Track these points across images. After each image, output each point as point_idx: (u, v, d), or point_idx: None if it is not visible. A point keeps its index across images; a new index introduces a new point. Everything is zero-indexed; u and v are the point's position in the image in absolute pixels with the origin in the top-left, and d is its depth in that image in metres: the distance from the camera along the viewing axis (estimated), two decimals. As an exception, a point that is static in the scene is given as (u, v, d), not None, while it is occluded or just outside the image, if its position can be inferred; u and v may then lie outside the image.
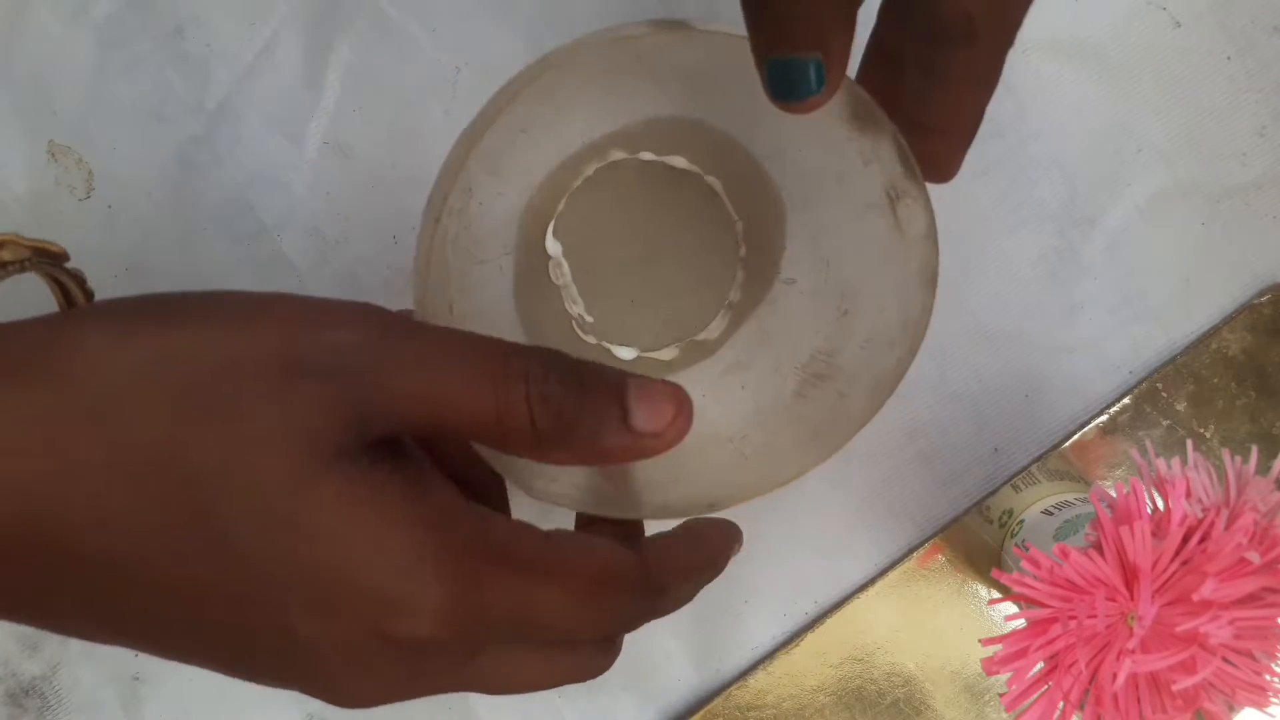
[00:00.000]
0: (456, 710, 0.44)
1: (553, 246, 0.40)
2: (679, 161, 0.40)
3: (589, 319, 0.41)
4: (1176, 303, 0.44)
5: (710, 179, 0.41)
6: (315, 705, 0.44)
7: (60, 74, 0.44)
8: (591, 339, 0.41)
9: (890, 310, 0.36)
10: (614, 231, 0.41)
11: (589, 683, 0.44)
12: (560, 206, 0.40)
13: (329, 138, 0.44)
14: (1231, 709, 0.31)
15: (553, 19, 0.44)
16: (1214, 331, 0.43)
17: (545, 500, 0.34)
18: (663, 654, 0.44)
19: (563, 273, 0.41)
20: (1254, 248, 0.44)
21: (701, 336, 0.42)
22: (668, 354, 0.41)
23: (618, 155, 0.40)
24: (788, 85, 0.29)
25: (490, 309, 0.40)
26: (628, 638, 0.44)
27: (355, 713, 0.44)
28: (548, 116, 0.38)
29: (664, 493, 0.36)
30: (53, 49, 0.44)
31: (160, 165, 0.44)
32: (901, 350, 0.35)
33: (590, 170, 0.40)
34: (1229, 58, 0.43)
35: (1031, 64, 0.43)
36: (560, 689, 0.44)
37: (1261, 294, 0.43)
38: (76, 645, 0.44)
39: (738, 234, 0.41)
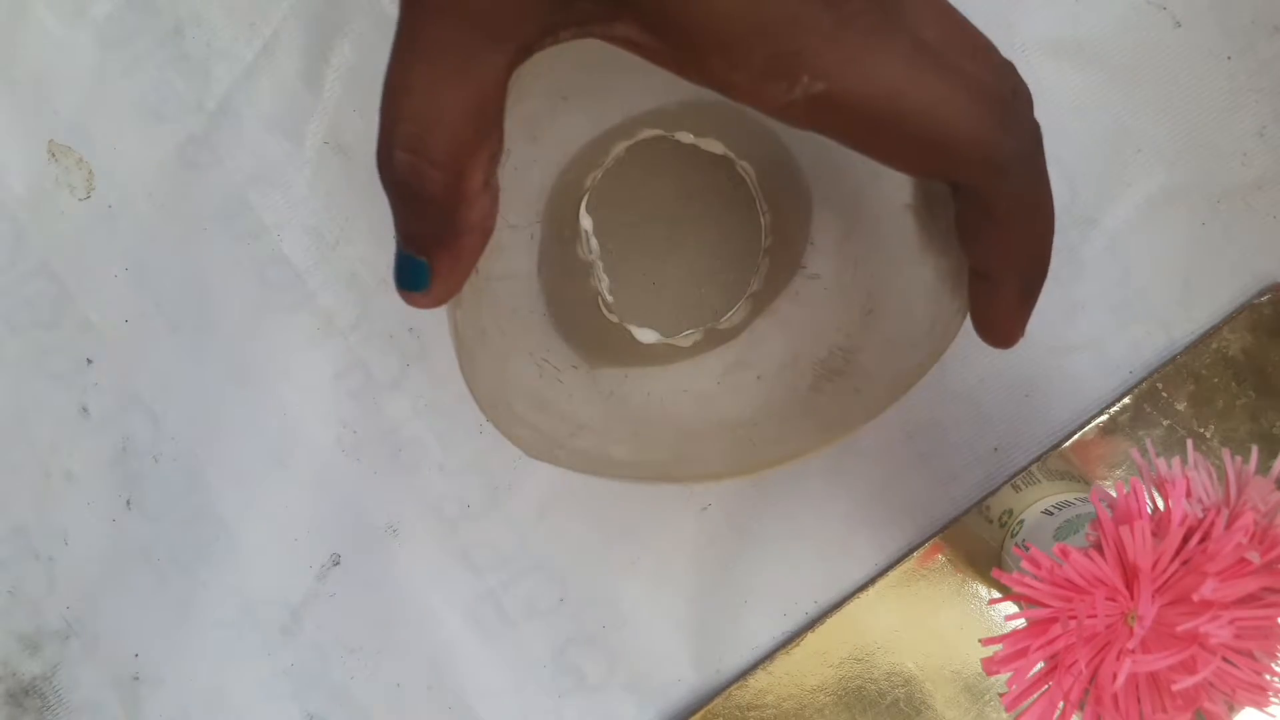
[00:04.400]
0: (456, 710, 0.44)
1: (586, 220, 0.40)
2: (714, 146, 0.40)
3: (609, 298, 0.41)
4: (1177, 302, 0.44)
5: (742, 165, 0.40)
6: (315, 705, 0.44)
7: (60, 74, 0.44)
8: (614, 318, 0.41)
9: (918, 312, 0.35)
10: (641, 211, 0.41)
11: (589, 681, 0.45)
12: (594, 180, 0.40)
13: (329, 137, 0.44)
14: (1232, 709, 0.31)
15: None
16: (1214, 331, 0.43)
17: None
18: (663, 654, 0.44)
19: (592, 248, 0.40)
20: (1254, 247, 0.44)
21: (721, 324, 0.41)
22: (686, 340, 0.41)
23: (653, 133, 0.39)
24: (402, 275, 0.29)
25: (515, 276, 0.39)
26: (627, 639, 0.45)
27: (358, 712, 0.44)
28: (589, 85, 0.38)
29: (664, 466, 0.36)
30: (53, 49, 0.44)
31: (160, 165, 0.44)
32: (924, 352, 0.34)
33: (625, 146, 0.39)
34: (1229, 57, 0.43)
35: (1031, 63, 0.43)
36: (561, 689, 0.44)
37: (1262, 294, 0.43)
38: (77, 645, 0.44)
39: (765, 224, 0.41)
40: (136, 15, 0.44)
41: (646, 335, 0.41)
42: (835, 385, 0.38)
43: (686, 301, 0.41)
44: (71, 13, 0.43)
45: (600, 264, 0.40)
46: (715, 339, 0.41)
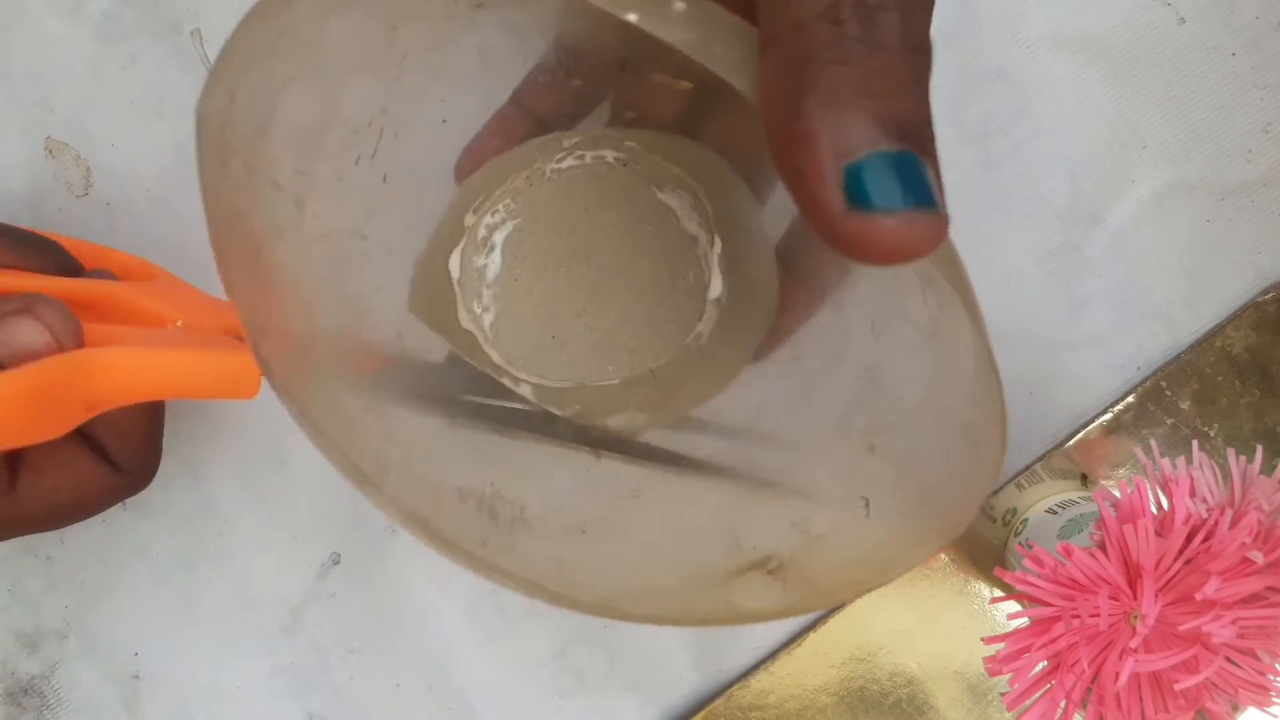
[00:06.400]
0: (456, 710, 0.44)
1: (498, 234, 0.35)
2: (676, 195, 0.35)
3: (488, 333, 0.37)
4: (1181, 300, 0.43)
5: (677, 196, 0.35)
6: (315, 704, 0.44)
7: (58, 70, 0.43)
8: (494, 355, 0.37)
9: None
10: (569, 247, 0.35)
11: (590, 682, 0.44)
12: (508, 199, 0.35)
13: (328, 135, 0.44)
14: (1234, 709, 0.31)
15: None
16: (1219, 329, 0.43)
17: None
18: (664, 654, 0.44)
19: (490, 271, 0.35)
20: (1259, 245, 0.43)
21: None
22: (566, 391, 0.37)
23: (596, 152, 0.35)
24: (903, 188, 0.19)
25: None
26: (629, 639, 0.44)
27: (358, 712, 0.44)
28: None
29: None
30: (50, 45, 0.43)
31: (159, 162, 0.44)
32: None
33: (564, 163, 0.35)
34: (1234, 54, 0.43)
35: (1035, 59, 0.43)
36: (561, 689, 0.44)
37: (1266, 291, 0.43)
38: (76, 644, 0.44)
39: (713, 296, 0.36)
40: (134, 12, 0.43)
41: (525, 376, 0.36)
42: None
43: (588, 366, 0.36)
44: (69, 9, 0.43)
45: (490, 291, 0.36)
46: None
